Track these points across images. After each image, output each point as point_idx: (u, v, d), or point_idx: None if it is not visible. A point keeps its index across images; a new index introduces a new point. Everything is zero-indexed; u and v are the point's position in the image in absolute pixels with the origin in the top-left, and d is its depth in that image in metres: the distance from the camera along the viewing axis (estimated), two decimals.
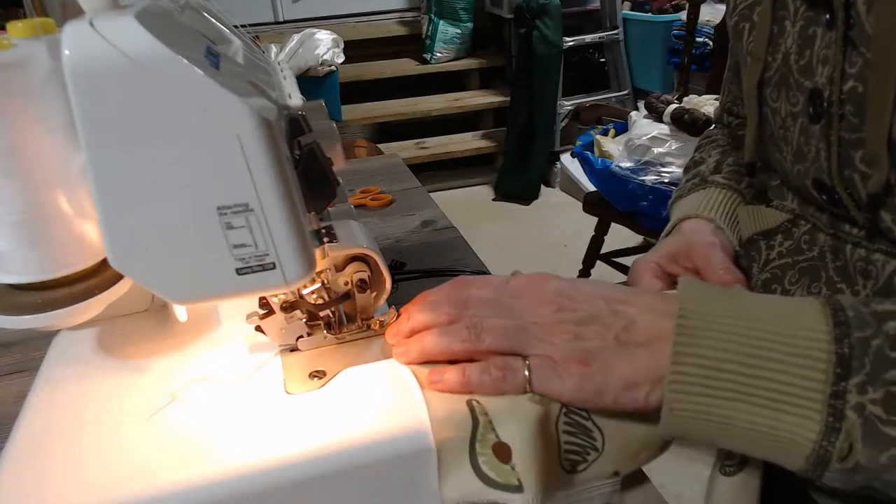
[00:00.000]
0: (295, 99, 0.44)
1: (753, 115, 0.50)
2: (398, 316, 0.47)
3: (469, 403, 0.39)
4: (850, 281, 0.44)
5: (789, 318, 0.35)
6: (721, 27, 1.83)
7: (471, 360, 0.42)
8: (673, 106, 1.58)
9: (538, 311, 0.41)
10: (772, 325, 0.35)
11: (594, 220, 1.84)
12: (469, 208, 2.89)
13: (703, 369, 0.35)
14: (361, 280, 0.47)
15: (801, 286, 0.47)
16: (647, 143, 1.59)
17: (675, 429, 0.37)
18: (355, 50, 2.88)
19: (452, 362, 0.42)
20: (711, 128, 0.71)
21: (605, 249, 1.90)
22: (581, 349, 0.39)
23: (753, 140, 0.52)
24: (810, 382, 0.33)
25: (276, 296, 0.44)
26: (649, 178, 1.56)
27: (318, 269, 0.42)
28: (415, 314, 0.44)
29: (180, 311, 0.48)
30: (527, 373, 0.39)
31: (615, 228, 1.81)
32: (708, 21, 2.32)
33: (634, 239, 2.18)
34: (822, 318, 0.34)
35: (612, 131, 1.83)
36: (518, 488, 0.36)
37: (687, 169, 0.65)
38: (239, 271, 0.35)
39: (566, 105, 2.92)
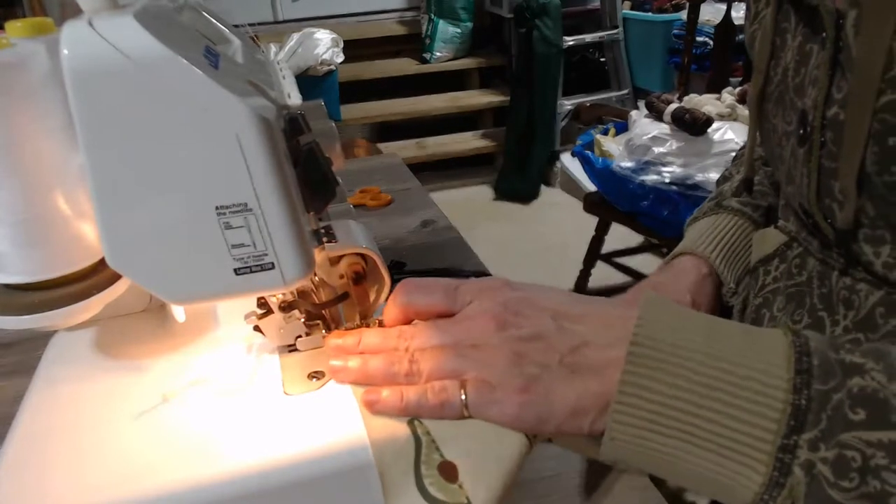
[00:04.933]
0: (294, 99, 0.44)
1: (752, 129, 0.49)
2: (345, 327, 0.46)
3: (411, 424, 0.38)
4: (831, 310, 0.42)
5: (749, 357, 0.32)
6: (721, 27, 1.83)
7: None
8: (673, 105, 1.58)
9: (480, 329, 0.38)
10: (729, 363, 0.32)
11: (594, 220, 1.84)
12: (469, 208, 2.89)
13: (649, 402, 0.33)
14: (356, 272, 0.47)
15: (787, 313, 0.46)
16: (647, 142, 1.59)
17: (615, 457, 0.35)
18: (355, 49, 2.88)
19: None
20: None
21: (605, 249, 1.90)
22: (521, 374, 0.36)
23: (749, 155, 0.51)
24: (760, 431, 0.31)
25: (274, 296, 0.44)
26: (650, 178, 1.56)
27: (316, 269, 0.42)
28: (365, 337, 0.42)
29: (178, 312, 0.48)
30: (463, 397, 0.37)
31: (615, 228, 1.81)
32: (708, 21, 2.32)
33: (634, 239, 2.18)
34: (784, 363, 0.32)
35: (612, 131, 1.83)
36: None
37: (719, 181, 0.63)
38: (237, 271, 0.35)
39: (566, 105, 2.92)
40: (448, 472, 0.36)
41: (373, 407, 0.39)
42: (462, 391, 0.37)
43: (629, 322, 0.35)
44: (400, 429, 0.38)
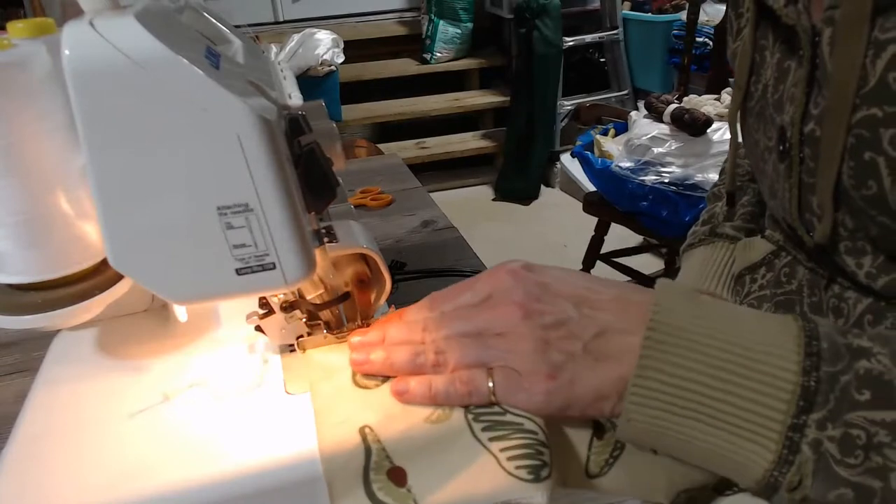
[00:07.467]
0: (295, 99, 0.44)
1: (733, 144, 0.49)
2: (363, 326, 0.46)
3: (361, 431, 0.39)
4: (822, 318, 0.43)
5: (761, 341, 0.34)
6: (721, 27, 1.83)
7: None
8: (673, 106, 1.58)
9: (505, 318, 0.39)
10: (741, 346, 0.34)
11: (594, 220, 1.84)
12: (469, 208, 2.89)
13: (665, 385, 0.34)
14: (361, 279, 0.47)
15: None
16: (646, 143, 1.59)
17: (631, 437, 0.37)
18: (355, 50, 2.88)
19: None
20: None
21: (604, 249, 1.90)
22: (547, 362, 0.37)
23: (731, 169, 0.52)
24: (771, 411, 0.32)
25: (275, 296, 0.44)
26: (649, 178, 1.56)
27: (317, 269, 0.42)
28: (391, 331, 0.43)
29: (180, 312, 0.48)
30: (491, 384, 0.38)
31: (615, 228, 1.81)
32: (708, 21, 2.32)
33: (634, 239, 2.18)
34: (794, 346, 0.33)
35: (612, 131, 1.83)
36: None
37: (709, 198, 0.63)
38: (239, 271, 0.35)
39: (566, 105, 2.92)
40: (397, 476, 0.36)
41: (402, 397, 0.40)
42: (489, 379, 0.38)
43: (646, 308, 0.36)
44: (351, 439, 0.38)
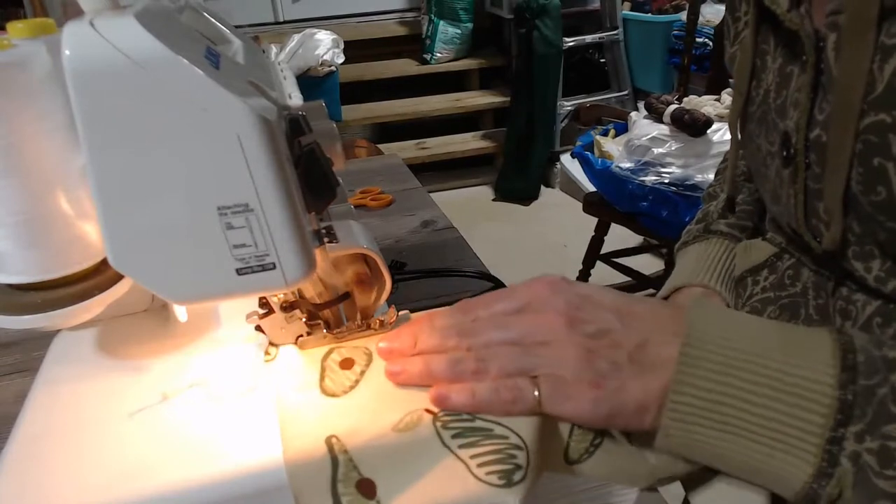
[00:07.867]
0: (295, 99, 0.44)
1: (734, 149, 0.49)
2: (387, 325, 0.46)
3: (328, 441, 0.38)
4: (827, 320, 0.42)
5: (795, 355, 0.34)
6: (721, 29, 1.83)
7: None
8: (673, 106, 1.58)
9: (547, 327, 0.39)
10: (777, 360, 0.34)
11: (594, 220, 1.84)
12: (469, 208, 2.89)
13: (700, 400, 0.35)
14: (361, 279, 0.47)
15: None
16: (646, 143, 1.59)
17: (669, 449, 0.37)
18: (355, 50, 2.88)
19: None
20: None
21: (604, 250, 1.90)
22: (594, 370, 0.37)
23: (731, 174, 0.52)
24: (809, 425, 0.33)
25: (275, 295, 0.44)
26: (649, 179, 1.56)
27: (317, 269, 0.42)
28: (422, 338, 0.42)
29: (180, 311, 0.48)
30: (536, 394, 0.38)
31: (615, 229, 1.81)
32: (708, 21, 2.32)
33: (634, 239, 2.18)
34: (830, 360, 0.33)
35: (612, 132, 1.83)
36: None
37: (704, 198, 0.63)
38: (239, 271, 0.35)
39: (566, 105, 2.92)
40: (366, 489, 0.36)
41: (442, 403, 0.39)
42: (534, 387, 0.38)
43: (681, 320, 0.36)
44: (318, 449, 0.38)
